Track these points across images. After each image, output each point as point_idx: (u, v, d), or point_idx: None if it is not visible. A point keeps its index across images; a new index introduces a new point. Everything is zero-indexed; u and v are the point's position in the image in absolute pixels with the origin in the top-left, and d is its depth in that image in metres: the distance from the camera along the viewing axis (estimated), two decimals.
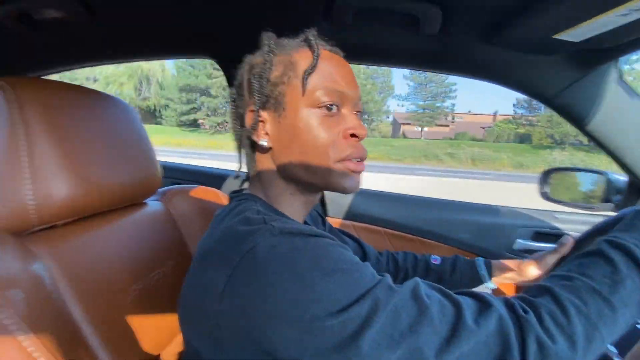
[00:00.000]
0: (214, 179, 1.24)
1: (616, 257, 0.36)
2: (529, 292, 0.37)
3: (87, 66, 0.97)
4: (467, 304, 0.33)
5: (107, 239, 0.52)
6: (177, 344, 0.59)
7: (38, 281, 0.40)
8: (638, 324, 0.52)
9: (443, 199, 1.10)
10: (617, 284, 0.34)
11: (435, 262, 0.70)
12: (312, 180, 0.43)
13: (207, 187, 0.78)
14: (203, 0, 0.68)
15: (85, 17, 0.69)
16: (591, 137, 0.83)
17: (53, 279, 0.42)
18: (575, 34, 0.59)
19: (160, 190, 0.70)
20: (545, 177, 0.97)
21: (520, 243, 1.00)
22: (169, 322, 0.56)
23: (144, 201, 0.66)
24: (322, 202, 1.07)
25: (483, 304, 0.33)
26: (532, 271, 0.61)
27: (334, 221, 1.09)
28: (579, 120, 0.81)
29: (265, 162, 0.46)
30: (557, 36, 0.60)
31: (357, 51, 0.82)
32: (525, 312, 0.33)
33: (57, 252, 0.44)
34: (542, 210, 1.06)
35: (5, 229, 0.42)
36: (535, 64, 0.73)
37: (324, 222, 0.69)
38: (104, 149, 0.52)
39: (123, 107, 0.60)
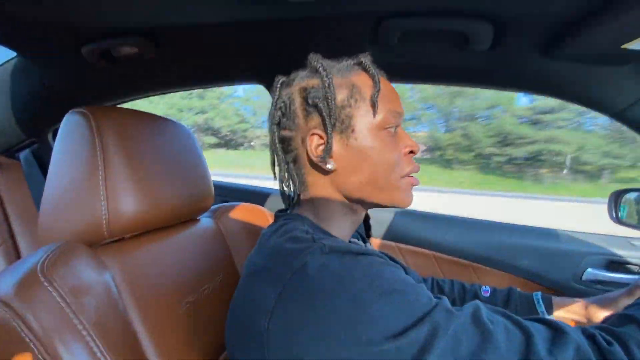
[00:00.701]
0: (258, 196, 1.28)
1: None
2: (610, 321, 0.33)
3: (154, 94, 1.08)
4: (538, 330, 0.30)
5: (165, 253, 0.56)
6: None
7: (107, 290, 0.43)
8: None
9: (499, 222, 1.02)
10: None
11: (486, 294, 0.65)
12: (377, 198, 0.44)
13: (252, 204, 0.81)
14: (254, 27, 0.72)
15: (153, 51, 0.78)
16: None
17: (119, 288, 0.45)
18: None
19: (212, 207, 0.74)
20: (617, 198, 0.87)
21: (591, 273, 0.89)
22: (215, 337, 0.58)
23: (198, 217, 0.70)
24: (366, 222, 1.05)
25: (557, 332, 0.30)
26: (601, 314, 0.55)
27: (375, 242, 1.06)
28: None
29: (323, 184, 0.46)
30: (627, 46, 0.55)
31: (402, 70, 0.82)
32: (609, 343, 0.30)
33: (123, 263, 0.48)
34: (617, 236, 0.94)
35: (81, 240, 0.47)
36: (601, 76, 0.67)
37: (364, 242, 0.68)
38: (167, 170, 0.57)
39: (184, 131, 0.65)
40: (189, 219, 0.67)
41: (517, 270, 0.93)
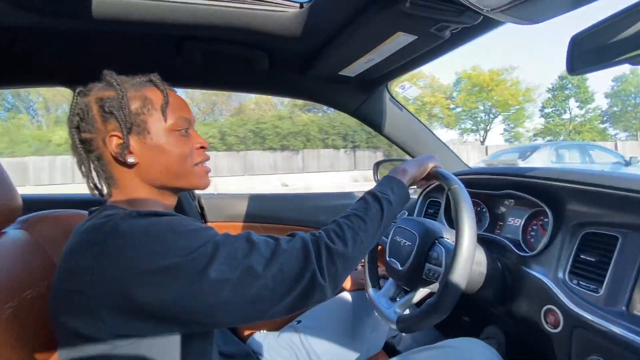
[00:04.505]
0: (81, 203, 1.20)
1: (367, 196, 0.64)
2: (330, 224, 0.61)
3: None
4: (283, 238, 0.54)
5: None
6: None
7: None
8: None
9: (300, 193, 1.37)
10: (366, 209, 0.61)
11: None
12: (178, 183, 0.58)
13: (73, 210, 0.81)
14: (76, 34, 0.75)
15: None
16: (387, 137, 1.23)
17: None
18: (350, 71, 0.92)
19: (20, 218, 0.70)
20: (376, 167, 1.33)
21: None
22: (45, 338, 0.60)
23: (3, 231, 0.66)
24: (201, 209, 1.19)
25: (292, 235, 0.55)
26: None
27: (215, 225, 1.22)
28: (376, 127, 1.19)
29: (129, 176, 0.55)
30: (342, 73, 0.93)
31: (207, 80, 1.00)
32: (320, 233, 0.56)
33: None
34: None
35: None
36: (338, 89, 1.06)
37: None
38: None
39: None
40: None
41: (320, 224, 1.30)
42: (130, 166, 0.55)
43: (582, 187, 0.73)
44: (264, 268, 0.47)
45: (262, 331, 0.96)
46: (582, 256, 0.70)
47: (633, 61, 0.50)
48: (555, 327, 0.68)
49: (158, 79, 0.58)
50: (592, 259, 0.67)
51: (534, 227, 0.88)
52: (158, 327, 0.45)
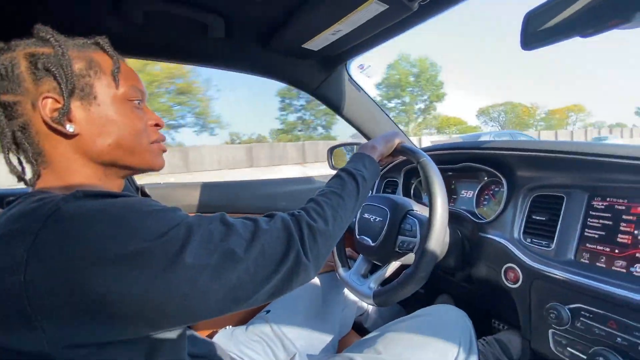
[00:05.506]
0: None
1: (342, 173, 0.63)
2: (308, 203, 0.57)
3: None
4: (261, 218, 0.49)
5: None
6: None
7: None
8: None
9: (257, 180, 1.29)
10: (343, 185, 0.60)
11: None
12: (129, 161, 0.49)
13: None
14: None
15: None
16: (345, 118, 1.22)
17: None
18: (315, 44, 0.88)
19: None
20: (330, 153, 1.32)
21: None
22: None
23: None
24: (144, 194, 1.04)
25: (270, 216, 0.50)
26: None
27: None
28: (335, 107, 1.17)
29: (65, 149, 0.45)
30: (305, 45, 0.88)
31: (150, 49, 0.87)
32: (299, 212, 0.53)
33: None
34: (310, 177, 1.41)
35: None
36: (300, 64, 1.01)
37: None
38: None
39: None
40: None
41: (281, 211, 1.24)
42: (69, 137, 0.44)
43: (531, 154, 0.81)
44: (244, 251, 0.41)
45: (227, 327, 0.89)
46: (533, 217, 0.77)
47: (583, 34, 0.55)
48: (515, 282, 0.75)
49: (106, 43, 0.48)
50: (543, 219, 0.75)
51: (486, 197, 0.96)
52: (120, 330, 0.36)
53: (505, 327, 1.03)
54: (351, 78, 1.13)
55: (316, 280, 0.99)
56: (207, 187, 1.14)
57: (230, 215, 0.48)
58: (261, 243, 0.44)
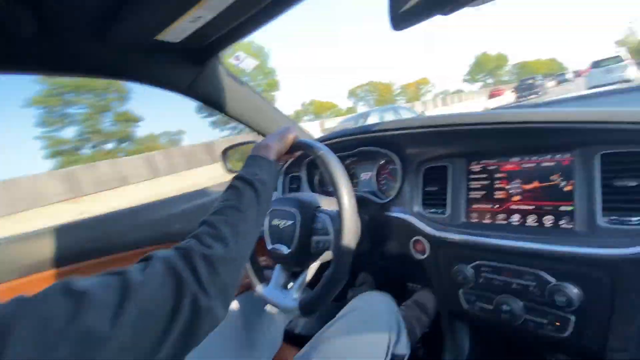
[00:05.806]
0: None
1: (236, 182, 0.54)
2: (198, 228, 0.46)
3: None
4: (133, 267, 0.36)
5: None
6: None
7: None
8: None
9: (137, 205, 1.05)
10: (239, 196, 0.51)
11: None
12: None
13: None
14: None
15: None
16: (230, 116, 1.09)
17: None
18: (172, 35, 0.72)
19: None
20: (224, 155, 1.17)
21: None
22: None
23: None
24: None
25: (146, 260, 0.38)
26: None
27: (4, 287, 0.78)
28: (216, 105, 1.03)
29: None
30: (160, 37, 0.72)
31: None
32: (187, 243, 0.42)
33: None
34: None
35: None
36: (160, 61, 0.83)
37: None
38: None
39: None
40: None
41: (177, 236, 1.02)
42: None
43: (414, 130, 0.85)
44: (110, 324, 0.31)
45: None
46: (427, 189, 0.82)
47: (444, 12, 0.57)
48: (424, 252, 0.79)
49: None
50: (435, 189, 0.80)
51: (384, 176, 0.99)
52: None
53: (420, 287, 1.12)
54: (228, 71, 1.01)
55: (233, 304, 0.88)
56: (64, 231, 0.87)
57: (110, 258, 0.34)
58: (136, 303, 0.33)
